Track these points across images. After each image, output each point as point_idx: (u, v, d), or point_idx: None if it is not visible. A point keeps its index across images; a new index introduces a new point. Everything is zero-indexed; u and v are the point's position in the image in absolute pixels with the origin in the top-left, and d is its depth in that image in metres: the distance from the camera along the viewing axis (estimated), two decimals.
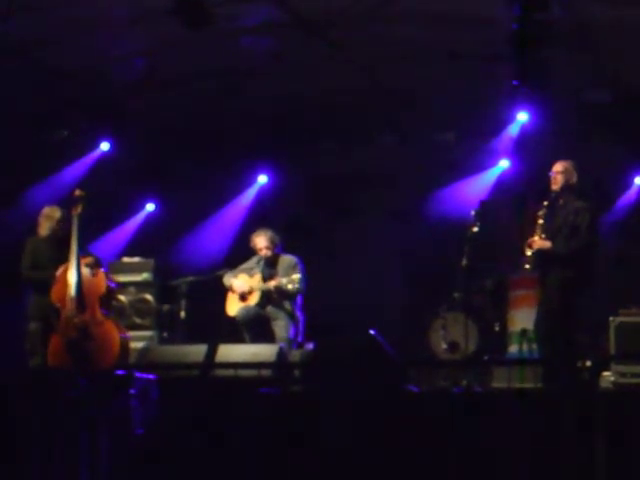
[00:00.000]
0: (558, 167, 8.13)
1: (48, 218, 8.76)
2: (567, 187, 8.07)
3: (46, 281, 8.41)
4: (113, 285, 8.71)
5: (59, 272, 8.36)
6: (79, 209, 8.49)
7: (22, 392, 6.55)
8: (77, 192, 8.60)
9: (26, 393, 6.53)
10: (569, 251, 7.90)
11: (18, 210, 10.72)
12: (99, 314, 8.25)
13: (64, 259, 8.36)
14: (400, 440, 6.26)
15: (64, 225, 8.62)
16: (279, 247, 9.52)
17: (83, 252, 8.46)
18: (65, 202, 9.03)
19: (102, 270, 8.55)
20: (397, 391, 6.93)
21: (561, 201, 8.09)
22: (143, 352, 8.86)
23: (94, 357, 8.00)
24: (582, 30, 9.07)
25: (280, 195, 12.01)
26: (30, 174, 10.96)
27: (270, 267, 9.48)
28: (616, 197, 11.47)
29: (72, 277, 8.23)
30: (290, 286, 9.14)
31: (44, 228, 8.76)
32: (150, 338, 10.24)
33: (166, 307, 10.44)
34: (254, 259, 9.58)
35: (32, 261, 8.65)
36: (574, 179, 8.09)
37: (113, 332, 8.23)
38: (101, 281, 8.42)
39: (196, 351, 8.18)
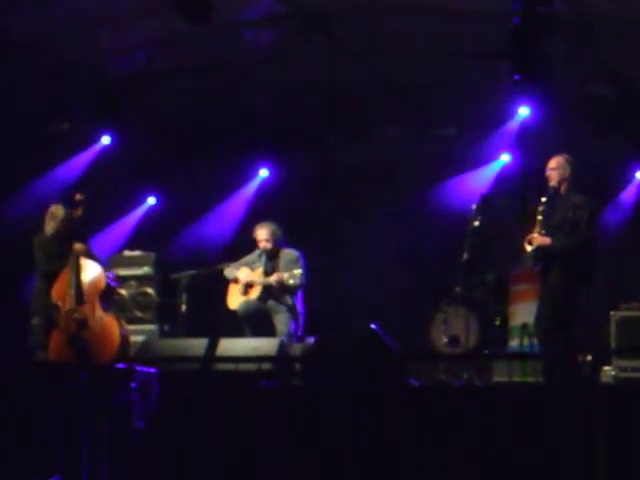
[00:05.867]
0: (552, 163, 8.08)
1: (52, 217, 8.83)
2: (563, 182, 8.03)
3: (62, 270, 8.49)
4: (114, 284, 8.80)
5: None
6: (79, 212, 8.64)
7: (23, 386, 6.56)
8: (77, 196, 8.72)
9: (27, 387, 6.54)
10: (569, 247, 7.86)
11: (19, 204, 10.73)
12: (99, 308, 8.30)
13: (68, 256, 8.42)
14: (400, 434, 6.27)
15: (67, 224, 8.70)
16: (281, 241, 9.51)
17: None
18: (67, 198, 9.06)
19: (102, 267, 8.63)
20: (398, 385, 6.93)
21: (559, 196, 8.05)
22: (144, 346, 8.87)
23: (94, 350, 8.03)
24: (584, 24, 9.06)
25: (281, 189, 12.00)
26: (31, 167, 10.96)
27: (271, 261, 9.48)
28: (618, 191, 11.44)
29: (71, 274, 8.29)
30: (291, 281, 9.14)
31: (49, 227, 8.82)
32: (151, 332, 10.25)
33: (167, 301, 10.44)
34: (256, 252, 9.57)
35: (45, 255, 8.71)
36: (568, 172, 8.01)
37: (113, 326, 8.27)
38: (101, 277, 8.46)
39: (197, 345, 8.17)
